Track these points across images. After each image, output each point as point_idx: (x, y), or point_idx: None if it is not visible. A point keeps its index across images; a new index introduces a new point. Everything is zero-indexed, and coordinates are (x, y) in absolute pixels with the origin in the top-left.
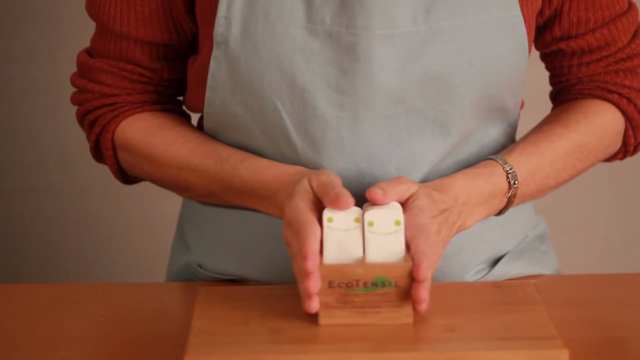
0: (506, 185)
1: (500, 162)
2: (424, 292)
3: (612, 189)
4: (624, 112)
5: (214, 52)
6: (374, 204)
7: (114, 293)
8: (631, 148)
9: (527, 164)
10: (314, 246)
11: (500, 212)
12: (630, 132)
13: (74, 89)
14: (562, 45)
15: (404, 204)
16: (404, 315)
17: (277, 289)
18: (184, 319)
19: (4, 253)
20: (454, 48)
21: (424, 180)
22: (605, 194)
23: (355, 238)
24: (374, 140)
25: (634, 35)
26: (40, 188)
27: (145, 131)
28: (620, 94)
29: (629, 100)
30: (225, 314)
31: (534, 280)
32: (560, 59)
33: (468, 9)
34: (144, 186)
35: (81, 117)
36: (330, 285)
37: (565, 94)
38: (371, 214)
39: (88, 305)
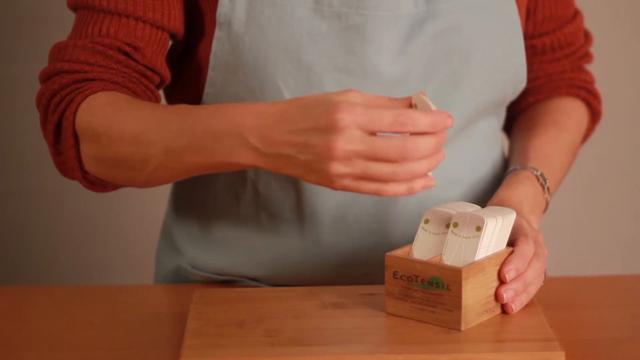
0: (540, 187)
1: (528, 169)
2: (502, 292)
3: (607, 190)
4: (589, 105)
5: (217, 33)
6: None
7: (109, 295)
8: (589, 132)
9: (544, 167)
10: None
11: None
12: (590, 122)
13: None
14: (536, 41)
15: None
16: (454, 321)
17: (271, 290)
18: (179, 321)
19: None
20: (453, 29)
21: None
22: (600, 195)
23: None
24: None
25: (585, 35)
26: (35, 190)
27: (110, 100)
28: (586, 90)
29: (591, 93)
30: (220, 316)
31: None
32: (530, 55)
33: None
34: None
35: (47, 102)
36: (394, 275)
37: (535, 94)
38: (458, 215)
39: (83, 307)
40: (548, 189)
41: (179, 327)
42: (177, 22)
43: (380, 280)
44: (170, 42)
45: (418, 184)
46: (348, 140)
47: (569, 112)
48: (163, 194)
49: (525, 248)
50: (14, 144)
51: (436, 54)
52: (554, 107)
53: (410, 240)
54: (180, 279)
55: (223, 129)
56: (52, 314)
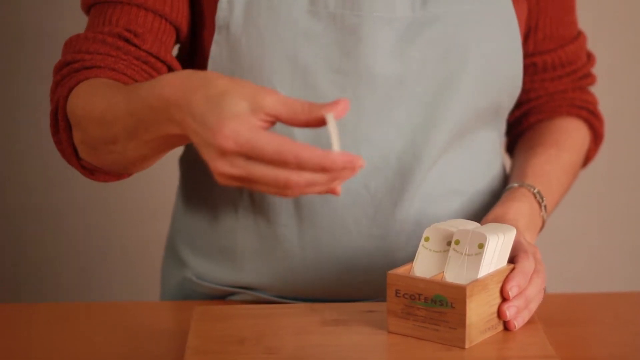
0: (537, 205)
1: (525, 186)
2: (505, 309)
3: (607, 206)
4: (591, 126)
5: (215, 37)
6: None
7: (110, 312)
8: (588, 161)
9: (541, 185)
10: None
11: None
12: (592, 143)
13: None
14: (536, 59)
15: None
16: (458, 338)
17: (272, 307)
18: (180, 338)
19: None
20: (450, 35)
21: (426, 176)
22: (600, 211)
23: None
24: (375, 124)
25: (588, 56)
26: (36, 207)
27: (93, 85)
28: (588, 110)
29: (594, 114)
30: (221, 333)
31: None
32: (531, 73)
33: None
34: (140, 205)
35: (52, 94)
36: (396, 294)
37: (536, 114)
38: (460, 233)
39: (84, 324)
40: (545, 207)
41: (179, 344)
42: (179, 15)
43: (381, 287)
44: (175, 35)
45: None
46: (230, 165)
47: (570, 132)
48: (164, 209)
49: (526, 264)
50: (15, 161)
51: (432, 57)
52: (554, 128)
53: (410, 244)
54: (186, 291)
55: (155, 102)
56: (52, 330)
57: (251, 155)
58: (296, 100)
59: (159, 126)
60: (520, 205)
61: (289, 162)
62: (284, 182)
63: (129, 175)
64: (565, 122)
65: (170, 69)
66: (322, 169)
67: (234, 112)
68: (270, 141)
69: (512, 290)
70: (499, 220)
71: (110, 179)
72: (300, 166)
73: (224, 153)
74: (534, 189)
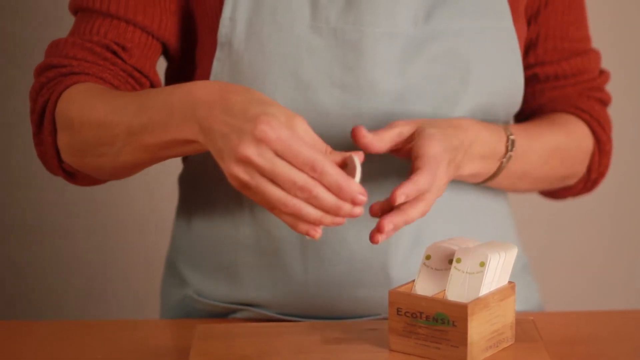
0: (504, 148)
1: (503, 127)
2: (388, 222)
3: (608, 225)
4: (595, 134)
5: (217, 54)
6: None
7: (111, 330)
8: (593, 176)
9: (522, 139)
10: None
11: (486, 180)
12: (597, 157)
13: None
14: (537, 70)
15: (407, 140)
16: (459, 357)
17: (273, 326)
18: (182, 357)
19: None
20: (452, 51)
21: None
22: (601, 231)
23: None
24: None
25: (601, 73)
26: (34, 225)
27: (87, 88)
28: (592, 116)
29: (599, 124)
30: (223, 351)
31: (532, 317)
32: (533, 84)
33: (466, 14)
34: (139, 222)
35: (35, 94)
36: (398, 312)
37: (536, 116)
38: (461, 251)
39: (85, 342)
40: (510, 155)
41: None
42: (167, 31)
43: (382, 304)
44: (161, 50)
45: (302, 226)
46: (257, 153)
47: (570, 125)
48: (163, 226)
49: (423, 180)
50: (12, 179)
51: (434, 73)
52: (552, 116)
53: (410, 261)
54: (187, 309)
55: (177, 101)
56: (53, 348)
57: (284, 152)
58: (322, 142)
59: (169, 127)
60: (482, 132)
61: (316, 169)
62: (300, 185)
63: (113, 180)
64: (566, 117)
65: (152, 84)
66: (339, 188)
67: (277, 114)
68: (306, 146)
69: (399, 198)
70: (449, 123)
71: (91, 183)
72: (322, 176)
73: (260, 140)
74: (510, 133)
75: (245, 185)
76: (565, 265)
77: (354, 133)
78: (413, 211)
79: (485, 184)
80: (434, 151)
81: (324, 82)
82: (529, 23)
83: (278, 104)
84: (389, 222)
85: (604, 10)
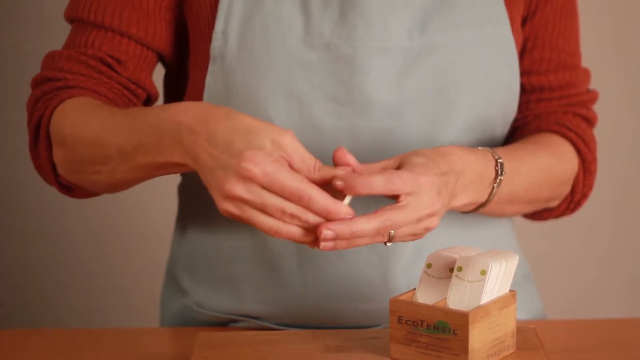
0: (493, 173)
1: (490, 150)
2: (323, 229)
3: (608, 232)
4: (580, 153)
5: (210, 67)
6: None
7: (111, 338)
8: (577, 197)
9: (509, 162)
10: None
11: (479, 207)
12: (581, 177)
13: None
14: (524, 80)
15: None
16: None
17: (274, 334)
18: None
19: None
20: (448, 63)
21: None
22: (601, 238)
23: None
24: (372, 153)
25: (589, 91)
26: (35, 233)
27: (80, 104)
28: (577, 134)
29: (585, 143)
30: (224, 359)
31: (533, 325)
32: (519, 94)
33: (462, 25)
34: (140, 233)
35: (31, 107)
36: (399, 320)
37: (520, 131)
38: (462, 259)
39: (85, 351)
40: (501, 179)
41: None
42: (162, 41)
43: (383, 314)
44: (157, 60)
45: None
46: (245, 190)
47: (554, 145)
48: (163, 235)
49: (378, 181)
50: (15, 187)
51: (430, 86)
52: (536, 137)
53: (410, 271)
54: (186, 319)
55: (165, 126)
56: (52, 357)
57: (270, 186)
58: (311, 157)
59: (161, 150)
60: (470, 157)
61: (303, 199)
62: (290, 213)
63: (110, 193)
64: (550, 137)
65: (149, 95)
66: (327, 213)
67: (260, 146)
68: (292, 177)
69: (337, 184)
70: (435, 152)
71: (88, 195)
72: (310, 204)
73: (246, 178)
74: (498, 157)
75: (236, 217)
76: (566, 272)
77: (336, 158)
78: (364, 224)
79: (478, 211)
80: (423, 179)
81: (318, 96)
82: (523, 32)
83: (263, 125)
84: (329, 228)
85: (604, 10)
